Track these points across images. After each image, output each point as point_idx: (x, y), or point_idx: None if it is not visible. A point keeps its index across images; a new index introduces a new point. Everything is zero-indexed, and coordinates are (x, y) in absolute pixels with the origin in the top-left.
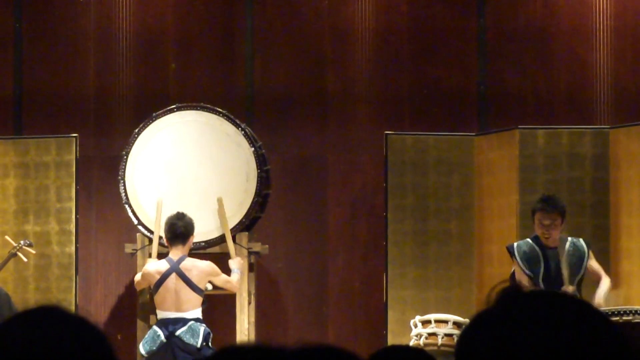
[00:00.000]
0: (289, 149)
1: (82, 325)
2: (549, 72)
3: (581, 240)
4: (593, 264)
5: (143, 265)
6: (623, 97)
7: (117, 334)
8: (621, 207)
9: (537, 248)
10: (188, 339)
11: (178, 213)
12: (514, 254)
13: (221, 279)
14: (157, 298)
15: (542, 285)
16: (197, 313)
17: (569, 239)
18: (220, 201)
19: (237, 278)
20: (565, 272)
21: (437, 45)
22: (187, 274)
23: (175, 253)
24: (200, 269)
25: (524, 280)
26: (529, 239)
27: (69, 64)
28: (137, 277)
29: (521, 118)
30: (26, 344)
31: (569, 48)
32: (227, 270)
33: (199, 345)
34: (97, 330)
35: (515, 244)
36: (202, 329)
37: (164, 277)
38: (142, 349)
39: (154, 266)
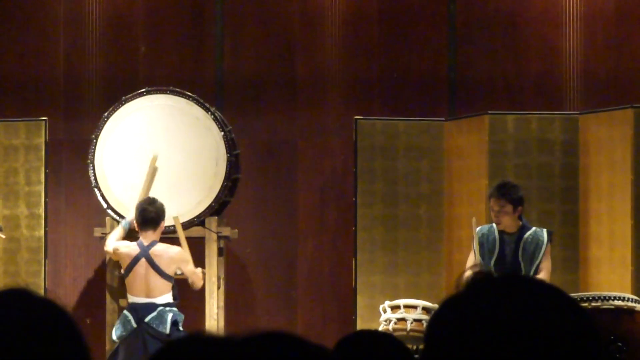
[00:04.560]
0: (258, 134)
1: (50, 308)
2: (518, 58)
3: (544, 231)
4: (543, 262)
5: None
6: (592, 83)
7: (86, 318)
8: (590, 192)
9: (495, 232)
10: (157, 325)
11: (149, 198)
12: (475, 234)
13: (190, 269)
14: (128, 282)
15: (493, 268)
16: (167, 298)
17: (533, 228)
18: (177, 220)
19: (201, 277)
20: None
21: (407, 30)
22: (156, 260)
23: (146, 238)
24: (170, 255)
25: (469, 261)
26: (493, 223)
27: (39, 47)
28: (109, 246)
29: (491, 103)
30: None
31: (538, 34)
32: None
33: (167, 331)
34: (65, 313)
35: (480, 227)
36: (169, 315)
37: (134, 262)
38: (113, 334)
39: (127, 249)
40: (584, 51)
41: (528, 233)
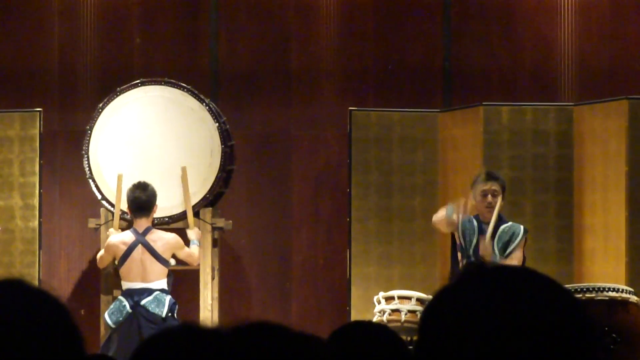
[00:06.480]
0: (253, 125)
1: (45, 299)
2: (513, 49)
3: (521, 227)
4: (515, 251)
5: (106, 240)
6: (587, 74)
7: (81, 309)
8: (585, 184)
9: (475, 222)
10: (153, 308)
11: (140, 183)
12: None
13: (184, 252)
14: (123, 270)
15: (471, 254)
16: (163, 284)
17: (510, 222)
18: (184, 170)
19: (197, 250)
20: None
21: (402, 21)
22: (152, 245)
23: (139, 224)
24: (165, 240)
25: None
26: (471, 216)
27: (34, 38)
28: (100, 253)
29: (486, 94)
30: None
31: (533, 25)
32: (187, 241)
33: (164, 314)
34: (59, 304)
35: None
36: (167, 298)
37: (130, 248)
38: (108, 319)
39: (118, 237)
40: (579, 42)
41: (505, 225)
